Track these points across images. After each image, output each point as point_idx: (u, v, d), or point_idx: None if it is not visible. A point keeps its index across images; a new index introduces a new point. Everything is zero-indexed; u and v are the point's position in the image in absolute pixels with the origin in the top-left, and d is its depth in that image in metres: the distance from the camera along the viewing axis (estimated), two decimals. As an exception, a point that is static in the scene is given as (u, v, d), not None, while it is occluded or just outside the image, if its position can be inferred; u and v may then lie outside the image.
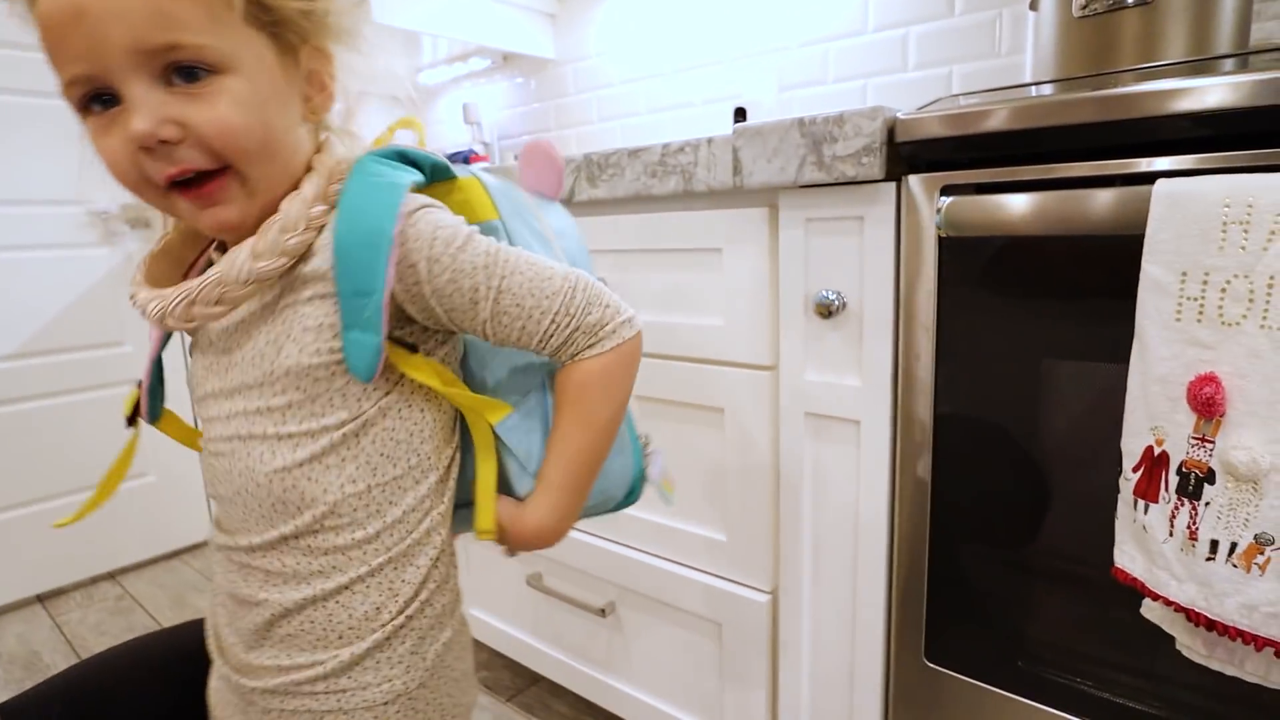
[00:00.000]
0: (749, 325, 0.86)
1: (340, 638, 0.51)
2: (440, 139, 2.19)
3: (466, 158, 1.82)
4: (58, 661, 1.56)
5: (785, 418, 0.84)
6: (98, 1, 0.40)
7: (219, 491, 0.53)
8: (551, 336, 0.51)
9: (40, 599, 1.83)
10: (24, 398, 1.76)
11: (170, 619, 1.71)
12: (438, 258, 0.48)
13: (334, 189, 0.49)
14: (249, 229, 0.48)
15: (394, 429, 0.51)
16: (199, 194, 0.46)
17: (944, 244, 0.69)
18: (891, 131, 0.70)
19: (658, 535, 1.00)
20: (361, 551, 0.50)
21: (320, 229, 0.48)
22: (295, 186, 0.49)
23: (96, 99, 0.44)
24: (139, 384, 0.59)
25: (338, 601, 0.50)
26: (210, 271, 0.47)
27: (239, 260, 0.46)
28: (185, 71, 0.43)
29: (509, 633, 1.26)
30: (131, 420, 0.59)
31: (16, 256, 1.73)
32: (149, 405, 0.58)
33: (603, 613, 1.07)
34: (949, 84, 1.29)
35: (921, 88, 1.32)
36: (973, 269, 0.68)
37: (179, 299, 0.47)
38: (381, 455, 0.50)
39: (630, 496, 0.63)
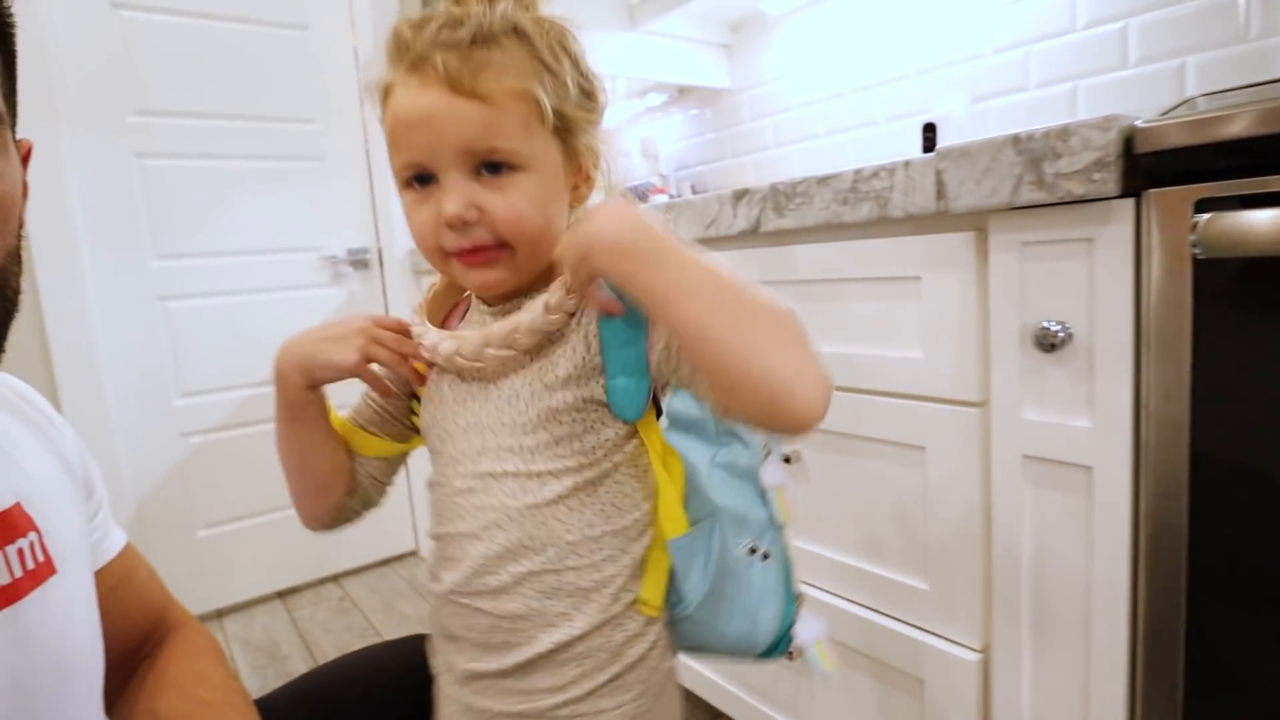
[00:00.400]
0: (953, 358, 0.80)
1: (584, 674, 0.54)
2: (619, 174, 2.27)
3: (646, 192, 1.87)
4: (292, 653, 1.76)
5: (998, 460, 0.77)
6: (443, 109, 0.50)
7: (459, 528, 0.56)
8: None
9: (280, 595, 2.08)
10: (268, 419, 2.01)
11: (382, 622, 1.88)
12: None
13: None
14: (507, 291, 0.56)
15: (624, 483, 0.56)
16: (474, 260, 0.54)
17: (1200, 266, 0.60)
18: (1129, 142, 0.62)
19: (851, 578, 0.95)
20: (600, 593, 0.54)
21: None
22: (555, 267, 0.56)
23: (418, 179, 0.53)
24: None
25: (584, 642, 0.54)
26: (507, 320, 0.54)
27: (534, 313, 0.53)
28: (492, 166, 0.51)
29: (690, 665, 1.25)
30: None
31: (264, 298, 2.00)
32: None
33: (790, 656, 1.03)
34: (1180, 78, 1.14)
35: (1145, 85, 1.18)
36: (1235, 293, 0.59)
37: (479, 343, 0.54)
38: (614, 505, 0.55)
39: (774, 650, 0.63)
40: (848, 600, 0.96)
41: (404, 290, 2.15)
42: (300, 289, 2.05)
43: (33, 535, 0.51)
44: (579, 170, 0.57)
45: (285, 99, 2.00)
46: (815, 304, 0.94)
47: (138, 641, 0.65)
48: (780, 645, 0.63)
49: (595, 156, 0.58)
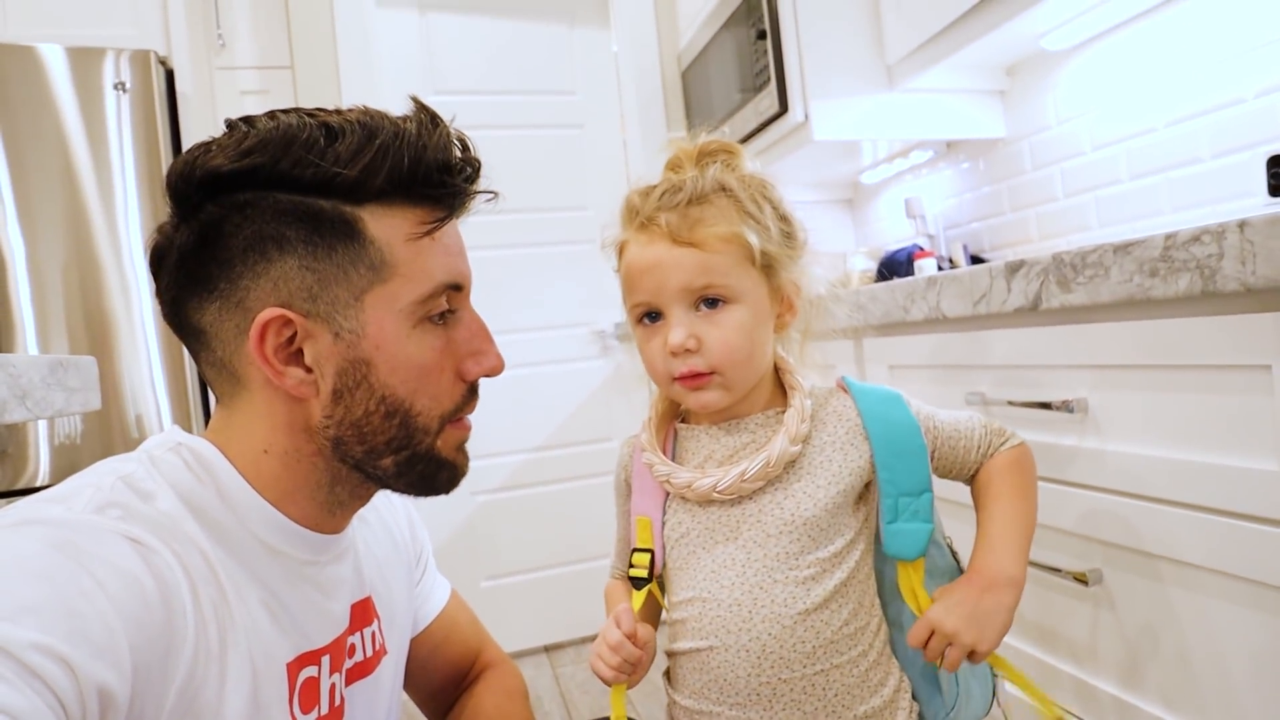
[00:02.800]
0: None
1: None
2: (880, 236, 2.16)
3: (910, 255, 1.75)
4: (553, 710, 1.85)
5: None
6: (666, 259, 0.61)
7: (725, 640, 0.61)
8: (979, 449, 0.69)
9: (546, 649, 2.22)
10: (541, 482, 2.21)
11: (635, 690, 1.91)
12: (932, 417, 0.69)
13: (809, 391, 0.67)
14: (723, 408, 0.65)
15: (867, 580, 0.65)
16: (692, 382, 0.63)
17: None
18: None
19: (1176, 738, 0.75)
20: (868, 679, 0.63)
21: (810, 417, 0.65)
22: (763, 383, 0.67)
23: (648, 316, 0.64)
24: (640, 550, 0.68)
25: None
26: (758, 456, 0.62)
27: (779, 445, 0.62)
28: (709, 301, 0.62)
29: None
30: (640, 582, 0.68)
31: (541, 370, 2.21)
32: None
33: None
34: None
35: None
36: None
37: (734, 479, 0.62)
38: (860, 603, 0.63)
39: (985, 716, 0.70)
40: (1174, 769, 0.76)
41: (664, 361, 2.24)
42: (573, 361, 2.24)
43: (376, 623, 0.64)
44: (783, 300, 0.66)
45: (562, 190, 2.23)
46: (1112, 394, 0.79)
47: (457, 679, 0.78)
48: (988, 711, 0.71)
49: (797, 289, 0.67)
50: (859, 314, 1.17)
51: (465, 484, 2.37)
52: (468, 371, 0.58)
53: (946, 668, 0.60)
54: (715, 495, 0.63)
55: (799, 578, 0.61)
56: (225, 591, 0.48)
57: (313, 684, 0.53)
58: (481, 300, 2.44)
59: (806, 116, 1.64)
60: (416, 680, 0.75)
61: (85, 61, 1.81)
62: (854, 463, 0.64)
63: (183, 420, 1.91)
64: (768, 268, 0.63)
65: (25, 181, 1.77)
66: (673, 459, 0.69)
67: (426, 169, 0.54)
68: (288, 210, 0.50)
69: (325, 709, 0.54)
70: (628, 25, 2.24)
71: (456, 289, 0.57)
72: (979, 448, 0.69)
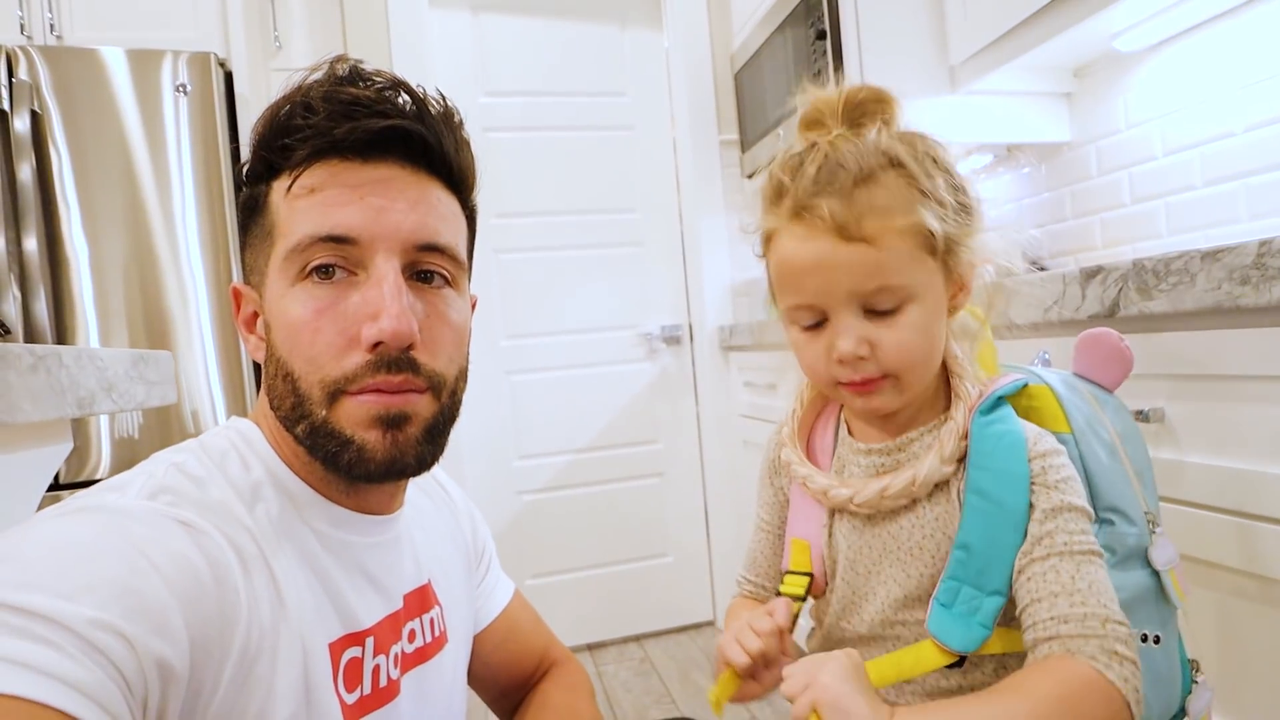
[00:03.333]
0: None
1: None
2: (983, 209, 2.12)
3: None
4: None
5: None
6: (832, 258, 0.52)
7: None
8: (1069, 623, 0.47)
9: (590, 648, 2.22)
10: (586, 483, 2.21)
11: (678, 690, 1.90)
12: (1050, 533, 0.51)
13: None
14: (893, 413, 0.57)
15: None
16: (861, 389, 0.55)
17: None
18: None
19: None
20: None
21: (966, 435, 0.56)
22: (936, 381, 0.58)
23: (811, 322, 0.55)
24: (795, 573, 0.62)
25: None
26: (903, 473, 0.56)
27: (928, 465, 0.55)
28: (881, 302, 0.52)
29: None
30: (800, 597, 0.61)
31: (588, 372, 2.22)
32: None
33: None
34: None
35: None
36: None
37: (874, 494, 0.56)
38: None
39: None
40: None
41: (712, 364, 2.22)
42: (620, 364, 2.24)
43: (436, 610, 0.64)
44: (957, 281, 0.56)
45: (611, 192, 2.24)
46: (1196, 404, 0.76)
47: (524, 678, 0.77)
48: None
49: (972, 268, 0.57)
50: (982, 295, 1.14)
51: (511, 484, 2.38)
52: (362, 336, 0.50)
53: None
54: (851, 508, 0.58)
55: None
56: (274, 572, 0.49)
57: (356, 664, 0.54)
58: (527, 301, 2.44)
59: (863, 119, 1.61)
60: (482, 678, 0.75)
61: (145, 64, 1.87)
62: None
63: (237, 414, 1.95)
64: (947, 252, 0.54)
65: (88, 183, 1.83)
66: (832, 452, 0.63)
67: (283, 119, 0.52)
68: (246, 199, 0.56)
69: (369, 689, 0.54)
70: (680, 25, 2.24)
71: (339, 241, 0.51)
72: (1063, 620, 0.47)
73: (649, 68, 2.30)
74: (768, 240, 0.57)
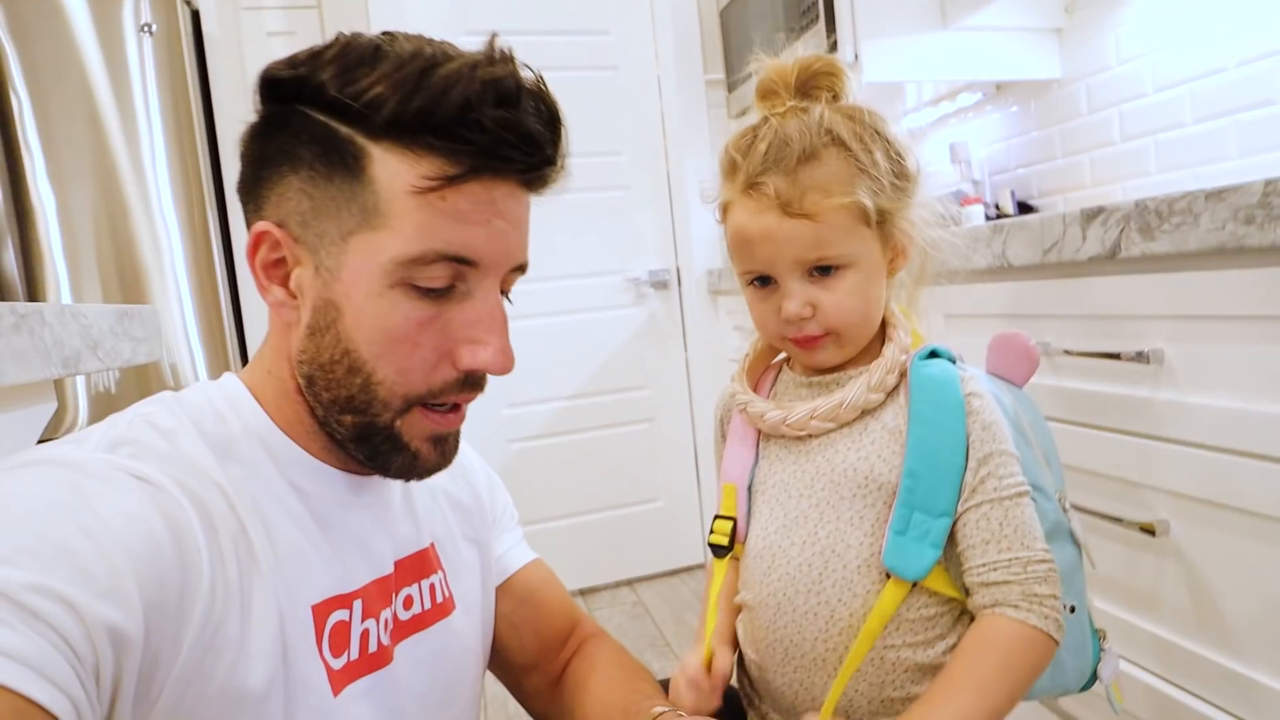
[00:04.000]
0: None
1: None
2: (924, 172, 2.11)
3: (957, 202, 1.70)
4: (593, 651, 1.89)
5: None
6: (777, 229, 0.58)
7: (793, 601, 0.59)
8: (996, 570, 0.55)
9: (582, 593, 2.27)
10: (575, 430, 2.22)
11: (671, 632, 1.95)
12: (983, 480, 0.57)
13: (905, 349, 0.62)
14: (835, 365, 0.63)
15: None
16: (806, 344, 0.62)
17: None
18: None
19: (1222, 681, 0.76)
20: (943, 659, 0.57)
21: (901, 373, 0.61)
22: (875, 334, 0.63)
23: (759, 279, 0.62)
24: (722, 517, 0.66)
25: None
26: (833, 395, 0.61)
27: (855, 389, 0.60)
28: (822, 269, 0.59)
29: None
30: (720, 550, 0.66)
31: (575, 318, 2.20)
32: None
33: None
34: None
35: None
36: None
37: (805, 415, 0.61)
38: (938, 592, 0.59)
39: (1084, 688, 0.66)
40: (1210, 704, 0.77)
41: (700, 309, 2.22)
42: (607, 309, 2.23)
43: (438, 575, 0.62)
44: (894, 247, 0.62)
45: (596, 135, 2.18)
46: (1194, 345, 0.77)
47: (558, 642, 0.73)
48: (1088, 684, 0.66)
49: (909, 236, 0.62)
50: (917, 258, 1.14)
51: (501, 432, 2.38)
52: (460, 358, 0.50)
53: None
54: (784, 430, 0.62)
55: (871, 550, 0.57)
56: (246, 529, 0.47)
57: (343, 628, 0.51)
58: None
59: (856, 56, 1.58)
60: (505, 642, 0.71)
61: (106, 2, 1.77)
62: (902, 449, 0.59)
63: (219, 370, 1.92)
64: (882, 223, 0.60)
65: (51, 129, 1.76)
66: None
67: (440, 113, 0.46)
68: (308, 128, 0.48)
69: (356, 654, 0.52)
70: (663, -40, 2.16)
71: (462, 262, 0.49)
72: (992, 567, 0.55)
73: (632, 4, 2.22)
74: (724, 210, 0.63)
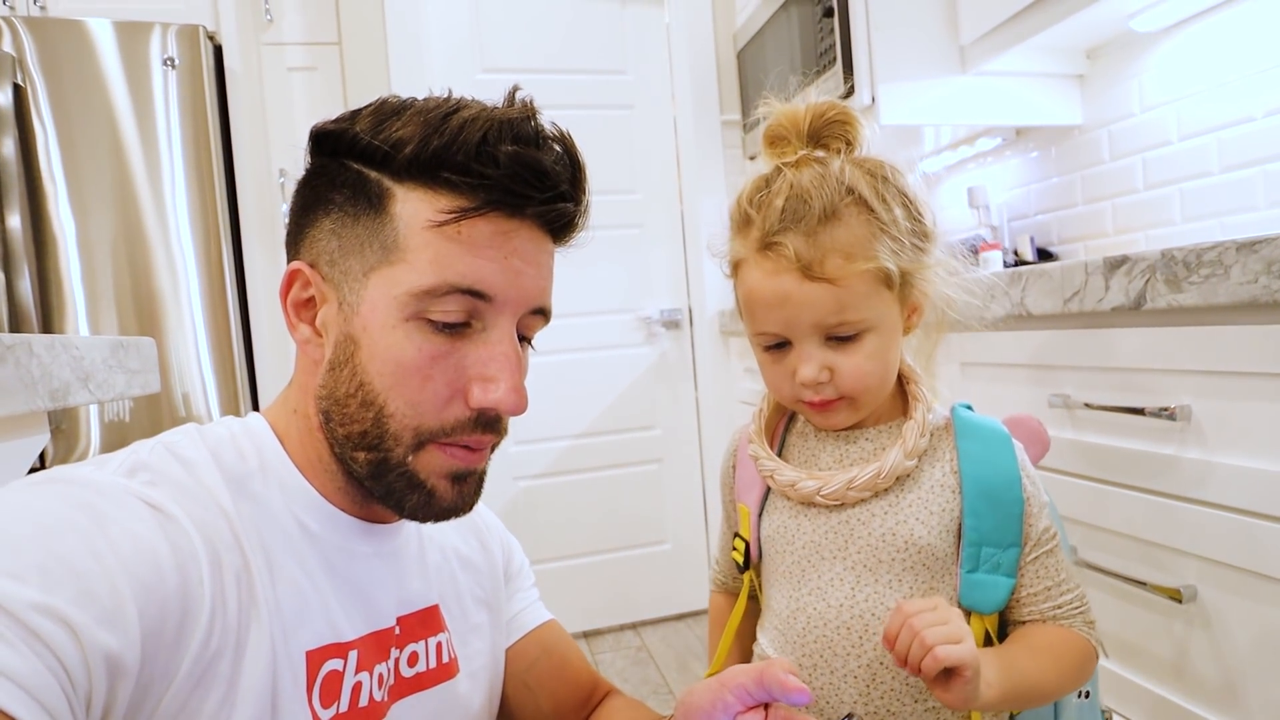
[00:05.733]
0: None
1: None
2: (941, 226, 2.08)
3: (974, 248, 1.68)
4: (594, 699, 1.83)
5: None
6: (796, 293, 0.55)
7: (831, 663, 0.58)
8: (1060, 609, 0.59)
9: (585, 635, 2.21)
10: (584, 469, 2.19)
11: (675, 678, 1.89)
12: (1038, 515, 0.60)
13: (935, 410, 0.62)
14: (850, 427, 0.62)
15: None
16: (821, 408, 0.60)
17: None
18: None
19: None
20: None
21: (930, 433, 0.61)
22: (892, 391, 0.62)
23: (775, 345, 0.60)
24: (740, 536, 0.67)
25: None
26: (869, 466, 0.59)
27: (893, 457, 0.58)
28: (842, 336, 0.57)
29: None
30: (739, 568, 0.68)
31: (586, 356, 2.18)
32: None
33: None
34: None
35: None
36: None
37: (841, 486, 0.58)
38: None
39: None
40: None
41: (712, 349, 2.19)
42: (618, 348, 2.21)
43: (444, 635, 0.60)
44: (911, 305, 0.60)
45: (612, 173, 2.19)
46: (1223, 402, 0.73)
47: (575, 707, 0.71)
48: None
49: (926, 295, 0.60)
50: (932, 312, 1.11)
51: (508, 469, 2.34)
52: (471, 396, 0.50)
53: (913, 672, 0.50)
54: (819, 500, 0.59)
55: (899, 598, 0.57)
56: (250, 566, 0.47)
57: (335, 678, 0.50)
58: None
59: (874, 100, 1.57)
60: (520, 702, 0.68)
61: (133, 36, 1.81)
62: (949, 502, 0.59)
63: (229, 400, 1.92)
64: (902, 285, 0.58)
65: (75, 159, 1.78)
66: (779, 454, 0.65)
67: (457, 150, 0.48)
68: (343, 175, 0.51)
69: (345, 707, 0.51)
70: (681, 1, 2.18)
71: (476, 296, 0.49)
72: (1057, 606, 0.59)
73: (650, 45, 2.25)
74: (735, 267, 0.61)
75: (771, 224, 0.55)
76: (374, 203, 0.50)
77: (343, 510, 0.54)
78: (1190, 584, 0.78)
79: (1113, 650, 0.90)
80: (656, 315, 2.21)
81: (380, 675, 0.54)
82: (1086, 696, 0.65)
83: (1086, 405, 0.88)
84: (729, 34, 2.21)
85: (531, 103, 0.52)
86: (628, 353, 2.21)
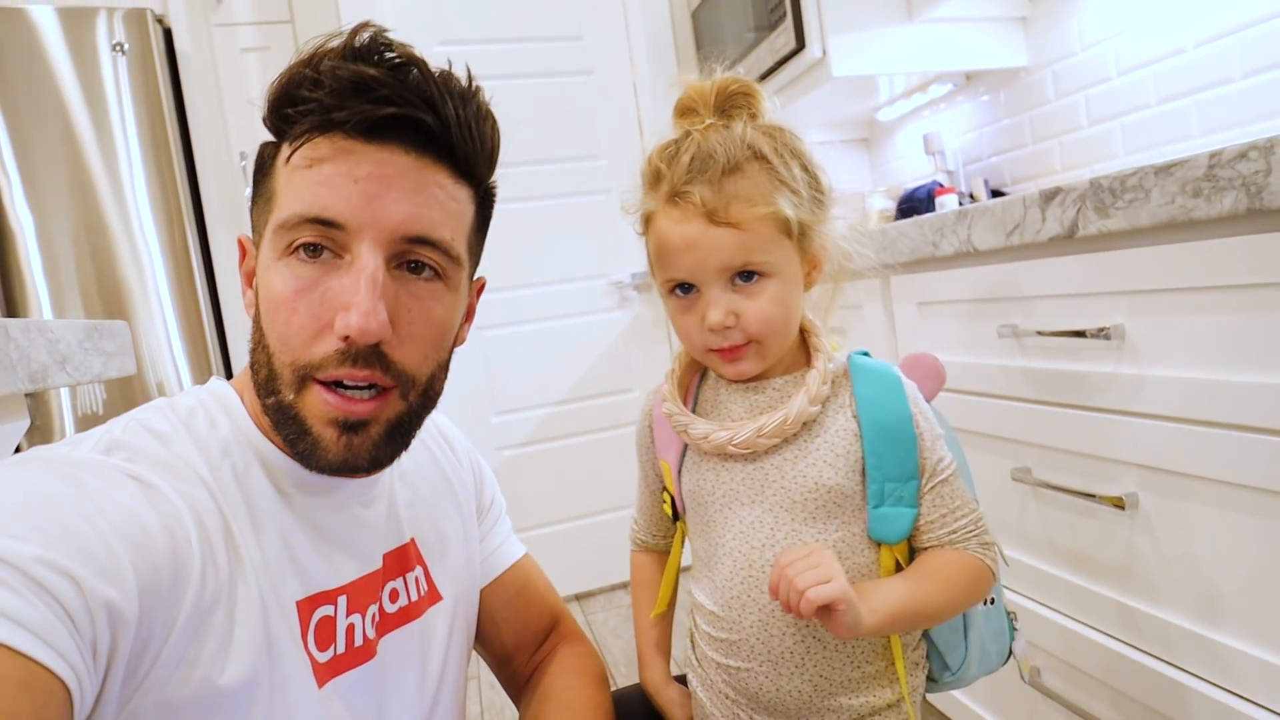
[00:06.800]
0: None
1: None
2: (898, 175, 2.12)
3: (930, 192, 1.72)
4: (588, 653, 1.89)
5: None
6: (702, 237, 0.59)
7: (760, 603, 0.62)
8: (955, 533, 0.63)
9: (578, 597, 2.27)
10: (564, 435, 2.22)
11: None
12: (931, 448, 0.64)
13: (835, 358, 0.65)
14: (756, 376, 0.65)
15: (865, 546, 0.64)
16: (729, 355, 0.63)
17: None
18: None
19: (1182, 643, 0.77)
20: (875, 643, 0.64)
21: (830, 380, 0.64)
22: (794, 344, 0.66)
23: (681, 288, 0.62)
24: (668, 491, 0.72)
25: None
26: (776, 413, 0.62)
27: (798, 405, 0.61)
28: (745, 275, 0.60)
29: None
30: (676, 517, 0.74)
31: (561, 323, 2.21)
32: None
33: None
34: None
35: None
36: None
37: (751, 434, 0.61)
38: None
39: (1001, 665, 0.73)
40: (1182, 670, 0.78)
41: (681, 309, 2.22)
42: (592, 314, 2.23)
43: (418, 569, 0.64)
44: (810, 260, 0.64)
45: (575, 140, 2.20)
46: (1152, 318, 0.78)
47: (531, 643, 0.76)
48: (1004, 662, 0.74)
49: (824, 250, 0.65)
50: (885, 253, 1.15)
51: (492, 440, 2.36)
52: (335, 324, 0.49)
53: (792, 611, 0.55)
54: (730, 449, 0.62)
55: (809, 537, 0.61)
56: (232, 529, 0.49)
57: (329, 623, 0.54)
58: (495, 255, 2.39)
59: (824, 52, 1.59)
60: (489, 638, 0.74)
61: (79, 22, 1.78)
62: (852, 445, 0.63)
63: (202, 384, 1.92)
64: (801, 235, 0.62)
65: (28, 152, 1.76)
66: (693, 410, 0.69)
67: (294, 85, 0.49)
68: (266, 151, 0.54)
69: (342, 648, 0.54)
70: (633, -36, 2.17)
71: (326, 224, 0.49)
72: (952, 531, 0.63)
73: (605, 9, 2.24)
74: (647, 220, 0.64)
75: (680, 176, 0.59)
76: (264, 165, 0.54)
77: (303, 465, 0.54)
78: (1132, 491, 0.84)
79: (1066, 560, 0.96)
80: (628, 279, 2.24)
81: (373, 615, 0.57)
82: (992, 603, 0.71)
83: (1038, 333, 0.92)
84: (682, -7, 2.22)
85: (381, 30, 0.51)
86: (602, 318, 2.24)
